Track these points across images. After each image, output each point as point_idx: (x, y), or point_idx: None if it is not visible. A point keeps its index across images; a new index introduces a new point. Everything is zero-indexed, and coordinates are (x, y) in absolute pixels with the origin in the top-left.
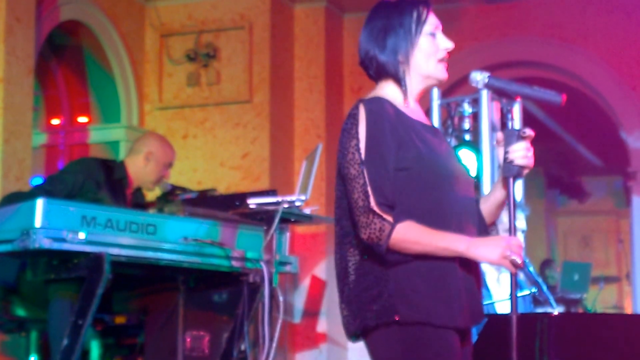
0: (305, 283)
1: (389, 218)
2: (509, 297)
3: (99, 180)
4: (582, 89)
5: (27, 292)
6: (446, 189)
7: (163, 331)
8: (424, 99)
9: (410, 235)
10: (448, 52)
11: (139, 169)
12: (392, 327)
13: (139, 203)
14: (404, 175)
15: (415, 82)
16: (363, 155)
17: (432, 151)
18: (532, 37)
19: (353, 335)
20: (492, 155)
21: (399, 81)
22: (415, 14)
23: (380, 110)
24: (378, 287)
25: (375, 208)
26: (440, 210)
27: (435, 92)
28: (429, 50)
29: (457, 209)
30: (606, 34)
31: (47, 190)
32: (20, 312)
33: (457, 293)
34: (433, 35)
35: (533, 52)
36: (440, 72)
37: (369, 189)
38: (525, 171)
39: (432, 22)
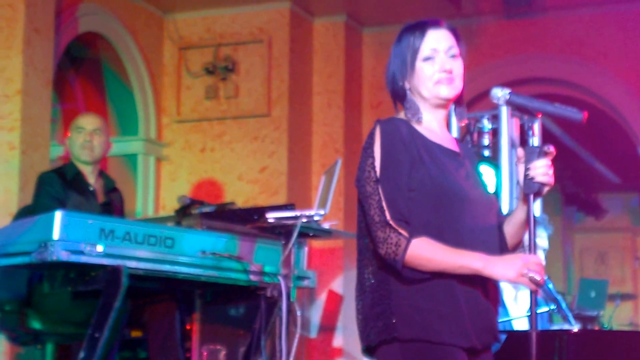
0: (322, 298)
1: (405, 233)
2: (529, 315)
3: (58, 190)
4: (599, 106)
5: (42, 304)
6: (458, 213)
7: (165, 343)
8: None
9: (426, 251)
10: (449, 71)
11: (72, 155)
12: (393, 344)
13: (109, 188)
14: (415, 195)
15: (422, 105)
16: (378, 173)
17: (442, 173)
18: (551, 54)
19: (364, 351)
20: (511, 172)
21: (405, 102)
22: (411, 41)
23: (393, 130)
24: (382, 304)
25: (392, 222)
26: (451, 233)
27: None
28: (424, 75)
29: (470, 233)
30: (624, 52)
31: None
32: (36, 324)
33: (457, 312)
34: (430, 58)
35: (551, 69)
36: (440, 91)
37: (384, 204)
38: (546, 189)
39: (429, 45)
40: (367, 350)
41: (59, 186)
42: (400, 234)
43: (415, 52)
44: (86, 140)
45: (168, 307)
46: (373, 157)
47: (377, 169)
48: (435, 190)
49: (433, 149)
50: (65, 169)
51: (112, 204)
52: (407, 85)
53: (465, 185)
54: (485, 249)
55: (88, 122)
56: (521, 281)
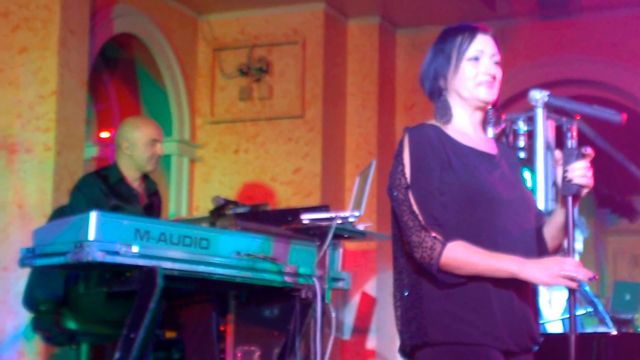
0: (356, 299)
1: (439, 237)
2: (565, 317)
3: (97, 194)
4: (636, 108)
5: (78, 305)
6: (487, 215)
7: (201, 346)
8: None
9: (461, 254)
10: (492, 75)
11: (126, 161)
12: (424, 349)
13: (151, 192)
14: (448, 199)
15: (459, 106)
16: (408, 180)
17: (472, 176)
18: (587, 55)
19: (402, 355)
20: (546, 174)
21: (437, 103)
22: (458, 40)
23: (421, 136)
24: (414, 310)
25: (426, 226)
26: (485, 237)
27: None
28: (467, 75)
29: (505, 236)
30: None
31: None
32: (71, 324)
33: (491, 315)
34: (476, 59)
35: (586, 70)
36: (480, 93)
37: (416, 209)
38: (585, 191)
39: (476, 47)
40: (405, 355)
41: (99, 190)
42: (435, 237)
43: (462, 51)
44: (159, 154)
45: (204, 308)
46: (403, 165)
47: (408, 175)
48: (464, 193)
49: (463, 152)
50: (109, 172)
51: (153, 206)
52: (444, 85)
53: (499, 187)
54: (522, 250)
55: (161, 134)
56: (558, 282)
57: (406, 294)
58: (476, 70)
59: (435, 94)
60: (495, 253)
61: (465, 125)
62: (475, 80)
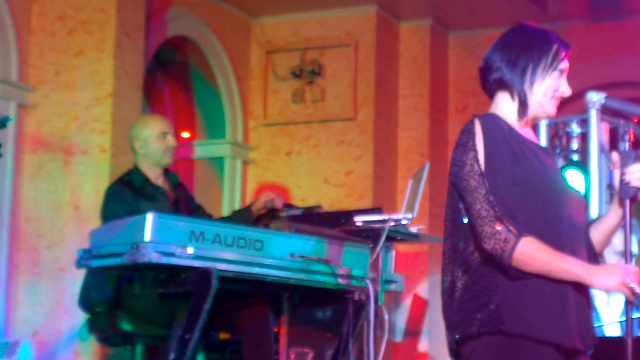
0: (407, 302)
1: (514, 230)
2: (622, 321)
3: (128, 200)
4: None
5: (133, 306)
6: (559, 208)
7: (259, 348)
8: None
9: (533, 251)
10: (563, 97)
11: (144, 161)
12: (494, 337)
13: (175, 184)
14: (518, 191)
15: (530, 106)
16: (483, 167)
17: (545, 169)
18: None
19: (452, 347)
20: (600, 177)
21: (519, 98)
22: (555, 48)
23: (495, 125)
24: (485, 297)
25: (501, 218)
26: (553, 228)
27: None
28: (550, 85)
29: (569, 229)
30: None
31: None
32: (126, 326)
33: (566, 312)
34: (561, 73)
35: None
36: (550, 107)
37: (491, 198)
38: None
39: (564, 63)
40: (459, 342)
41: (128, 195)
42: (509, 230)
43: (557, 59)
44: (172, 145)
45: (261, 310)
46: (475, 151)
47: (481, 162)
48: (540, 185)
49: (532, 146)
50: (132, 176)
51: (180, 199)
52: (525, 80)
53: (563, 182)
54: (584, 247)
55: (169, 126)
56: (622, 290)
57: (469, 281)
58: (557, 83)
59: (516, 85)
60: (564, 255)
61: (520, 122)
62: (555, 93)
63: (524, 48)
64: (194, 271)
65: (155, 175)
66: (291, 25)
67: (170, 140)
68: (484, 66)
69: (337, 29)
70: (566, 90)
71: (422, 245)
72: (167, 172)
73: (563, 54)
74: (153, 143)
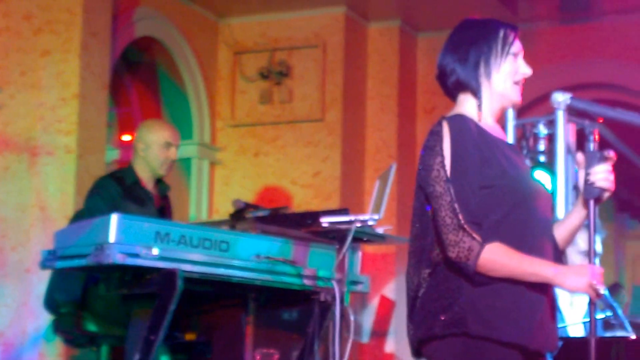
0: (374, 303)
1: (478, 237)
2: (587, 321)
3: (115, 196)
4: None
5: (97, 307)
6: (529, 207)
7: (230, 349)
8: (499, 120)
9: (498, 257)
10: (524, 78)
11: (141, 164)
12: (458, 338)
13: (164, 194)
14: (488, 193)
15: (491, 100)
16: (449, 173)
17: (515, 169)
18: (608, 59)
19: (415, 347)
20: (567, 178)
21: (476, 95)
22: (502, 33)
23: (463, 127)
24: (449, 298)
25: (465, 226)
26: (524, 229)
27: (511, 113)
28: (508, 70)
29: (539, 228)
30: None
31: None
32: (91, 327)
33: (530, 314)
34: (515, 56)
35: (609, 74)
36: (514, 94)
37: (456, 206)
38: (607, 194)
39: (516, 44)
40: (420, 344)
41: (115, 192)
42: (473, 238)
43: (507, 44)
44: (173, 159)
45: (233, 311)
46: (442, 156)
47: (448, 167)
48: (510, 185)
49: (500, 145)
50: (124, 174)
51: (166, 209)
52: (480, 74)
53: (532, 180)
54: (551, 245)
55: (176, 138)
56: (589, 292)
57: (434, 282)
58: (515, 67)
59: (473, 83)
60: (531, 257)
61: (488, 118)
62: (514, 77)
63: (471, 43)
64: (158, 272)
65: (147, 180)
66: (259, 26)
67: (173, 152)
68: (439, 72)
69: (305, 30)
70: (526, 71)
71: (390, 247)
72: (159, 180)
73: (512, 36)
74: (155, 150)
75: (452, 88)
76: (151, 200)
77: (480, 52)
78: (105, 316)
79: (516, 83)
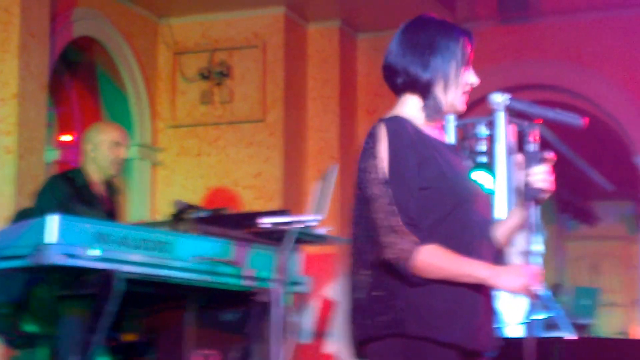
0: (315, 303)
1: (414, 239)
2: (524, 322)
3: (65, 196)
4: (596, 112)
5: (37, 307)
6: (467, 209)
7: (171, 350)
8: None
9: (434, 259)
10: (471, 87)
11: (91, 165)
12: (397, 339)
13: (113, 195)
14: (426, 194)
15: (439, 105)
16: (386, 175)
17: (453, 170)
18: (547, 59)
19: (355, 348)
20: (508, 178)
21: (428, 100)
22: (461, 41)
23: (400, 129)
24: (388, 300)
25: (401, 228)
26: (462, 229)
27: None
28: (460, 81)
29: (477, 231)
30: (623, 58)
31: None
32: (30, 327)
33: (468, 314)
34: (467, 67)
35: (548, 75)
36: (460, 104)
37: (393, 208)
38: (545, 195)
39: (469, 55)
40: (361, 346)
41: (66, 192)
42: (409, 240)
43: (465, 54)
44: (122, 158)
45: (175, 313)
46: (379, 158)
47: (385, 169)
48: (451, 187)
49: (439, 146)
50: (75, 175)
51: (113, 211)
52: (438, 80)
53: (472, 181)
54: (490, 246)
55: (125, 138)
56: (524, 293)
57: (373, 283)
58: (466, 78)
59: (427, 88)
60: (467, 258)
61: (430, 123)
62: (463, 87)
63: (433, 49)
64: (99, 273)
65: (97, 182)
66: (199, 27)
67: (122, 151)
68: (388, 69)
69: (245, 30)
70: (474, 81)
71: (331, 247)
72: (108, 183)
73: (469, 45)
74: (104, 150)
75: (400, 87)
76: (100, 203)
77: (441, 60)
78: (46, 317)
79: (465, 93)
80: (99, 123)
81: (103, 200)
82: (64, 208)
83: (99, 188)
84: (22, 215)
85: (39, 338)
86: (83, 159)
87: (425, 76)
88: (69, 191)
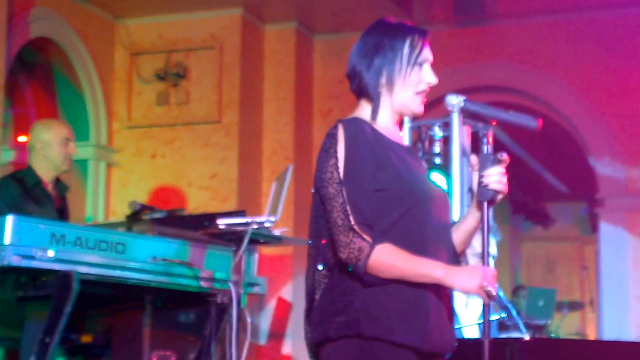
0: (272, 305)
1: (369, 238)
2: (481, 323)
3: (15, 197)
4: (550, 114)
5: None
6: (423, 211)
7: (128, 351)
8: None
9: (389, 258)
10: (430, 88)
11: (42, 163)
12: (352, 340)
13: (62, 194)
14: (382, 196)
15: (391, 109)
16: (342, 175)
17: (410, 172)
18: (502, 62)
19: (311, 349)
20: (462, 180)
21: (372, 102)
22: (409, 40)
23: (358, 130)
24: (344, 300)
25: (355, 227)
26: (416, 232)
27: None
28: (411, 80)
29: (433, 232)
30: (576, 60)
31: None
32: None
33: (425, 316)
34: (420, 65)
35: (502, 77)
36: (415, 105)
37: (348, 207)
38: (500, 196)
39: (424, 53)
40: (317, 344)
41: (15, 193)
42: (363, 239)
43: (413, 54)
44: (73, 153)
45: (131, 314)
46: (336, 158)
47: (341, 170)
48: (406, 190)
49: (396, 149)
50: (25, 175)
51: (64, 209)
52: (382, 81)
53: (428, 184)
54: (446, 248)
55: (72, 133)
56: (479, 294)
57: (329, 284)
58: (419, 77)
59: (372, 89)
60: (422, 258)
61: (387, 123)
62: (417, 87)
63: (378, 49)
64: (54, 274)
65: (48, 180)
66: (156, 27)
67: (72, 147)
68: (349, 73)
69: (202, 31)
70: (431, 80)
71: (286, 248)
72: (57, 181)
73: (420, 44)
74: (55, 147)
75: (355, 92)
76: (50, 200)
77: (384, 60)
78: (1, 319)
79: (419, 93)
80: (44, 120)
81: (53, 198)
82: (15, 209)
83: (50, 186)
84: None
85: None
86: (31, 158)
87: (368, 77)
88: (19, 192)
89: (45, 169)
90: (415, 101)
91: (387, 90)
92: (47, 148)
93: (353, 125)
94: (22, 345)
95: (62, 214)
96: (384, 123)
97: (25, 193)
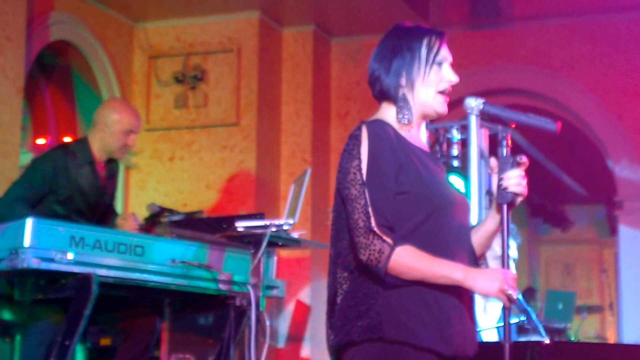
0: (290, 307)
1: (389, 240)
2: (501, 326)
3: (65, 168)
4: (568, 117)
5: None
6: (444, 215)
7: (145, 354)
8: None
9: (409, 260)
10: (451, 86)
11: (98, 143)
12: (375, 343)
13: (112, 174)
14: (403, 199)
15: (414, 109)
16: (364, 176)
17: (432, 176)
18: (518, 64)
19: (334, 353)
20: (480, 182)
21: (398, 103)
22: (426, 41)
23: (382, 132)
24: (366, 304)
25: (376, 229)
26: (437, 236)
27: None
28: (431, 80)
29: (453, 236)
30: (592, 63)
31: (20, 195)
32: (6, 315)
33: (447, 319)
34: (439, 65)
35: (519, 79)
36: (438, 104)
37: (370, 209)
38: (519, 199)
39: (442, 52)
40: (339, 350)
41: (59, 166)
42: (384, 241)
43: (431, 53)
44: (130, 145)
45: (150, 317)
46: (360, 159)
47: (364, 171)
48: (428, 193)
49: (418, 153)
50: (78, 150)
51: (111, 191)
52: (402, 82)
53: (449, 188)
54: (467, 252)
55: (138, 126)
56: (499, 297)
57: (352, 287)
58: (439, 76)
59: (393, 92)
60: (442, 260)
61: (412, 127)
62: (438, 86)
63: (395, 52)
64: (73, 277)
65: (100, 159)
66: (174, 31)
67: (132, 139)
68: (369, 78)
69: (220, 34)
70: (452, 78)
71: (304, 251)
72: (111, 161)
73: (437, 44)
74: (115, 134)
75: (377, 96)
76: (97, 180)
77: (402, 62)
78: (21, 304)
79: (441, 92)
80: (116, 103)
81: (100, 178)
82: (51, 184)
83: (101, 165)
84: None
85: (14, 327)
86: (91, 132)
87: (388, 80)
88: (64, 165)
89: (98, 149)
90: (437, 100)
91: (409, 92)
92: (108, 132)
93: (376, 127)
94: (27, 346)
95: (105, 195)
96: (410, 127)
97: (73, 165)
